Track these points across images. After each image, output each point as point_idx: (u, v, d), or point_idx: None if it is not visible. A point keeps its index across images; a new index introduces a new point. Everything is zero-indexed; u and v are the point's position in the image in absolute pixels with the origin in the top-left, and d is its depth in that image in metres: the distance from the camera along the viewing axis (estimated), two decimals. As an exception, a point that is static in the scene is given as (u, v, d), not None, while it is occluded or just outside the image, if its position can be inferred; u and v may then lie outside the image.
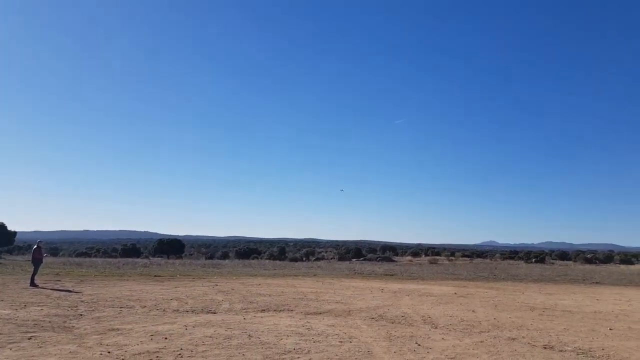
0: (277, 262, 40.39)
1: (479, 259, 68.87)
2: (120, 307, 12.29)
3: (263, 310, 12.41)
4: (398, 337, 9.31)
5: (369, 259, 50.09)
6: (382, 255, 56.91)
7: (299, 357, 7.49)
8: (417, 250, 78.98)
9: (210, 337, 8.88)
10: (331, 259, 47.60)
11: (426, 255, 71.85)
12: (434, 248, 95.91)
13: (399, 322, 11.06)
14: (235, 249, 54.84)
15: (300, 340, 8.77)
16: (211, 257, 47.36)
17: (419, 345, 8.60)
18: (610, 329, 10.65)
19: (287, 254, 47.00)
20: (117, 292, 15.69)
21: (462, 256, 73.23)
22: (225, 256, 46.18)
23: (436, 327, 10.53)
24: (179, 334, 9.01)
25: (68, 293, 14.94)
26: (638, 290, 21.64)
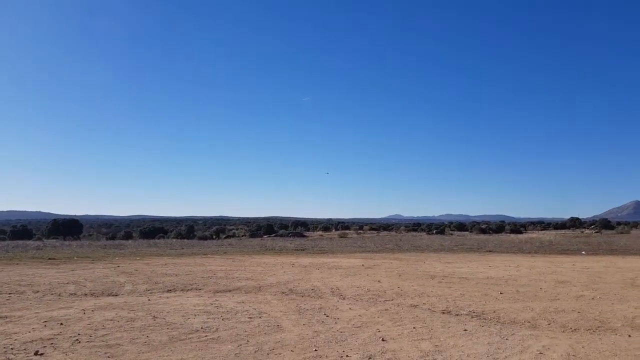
0: (185, 241, 39.16)
1: (385, 232, 72.03)
2: (9, 293, 11.26)
3: (169, 291, 11.95)
4: (307, 309, 9.41)
5: (281, 235, 50.35)
6: (294, 231, 57.47)
7: (206, 336, 7.30)
8: (327, 225, 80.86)
9: (111, 320, 8.39)
10: (242, 236, 47.10)
11: (336, 229, 73.77)
12: (343, 222, 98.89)
13: (309, 295, 11.20)
14: (139, 228, 52.09)
15: (208, 318, 8.56)
16: (113, 238, 44.75)
17: (327, 316, 8.75)
18: (500, 293, 11.58)
19: (196, 233, 45.56)
20: (5, 277, 14.34)
21: (370, 229, 76.15)
22: (128, 236, 43.74)
23: (344, 298, 10.79)
24: (76, 319, 8.42)
25: (-58, 281, 13.31)
26: (525, 257, 23.85)
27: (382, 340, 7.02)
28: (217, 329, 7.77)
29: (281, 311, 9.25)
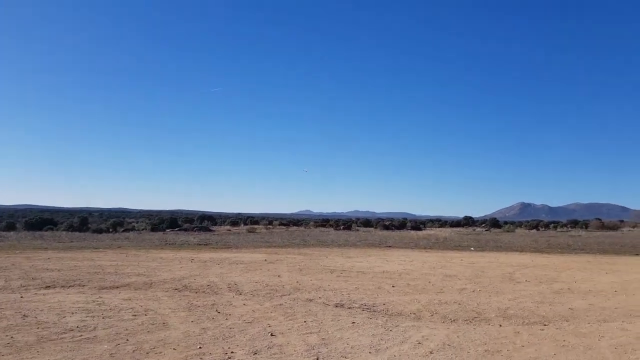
0: (77, 234, 36.28)
1: (295, 227, 72.40)
2: None
3: (47, 287, 10.95)
4: (199, 306, 9.08)
5: (186, 230, 48.60)
6: (200, 225, 55.71)
7: (81, 335, 6.75)
8: (236, 220, 79.52)
9: (-30, 321, 7.48)
10: (143, 230, 44.66)
11: (245, 224, 72.85)
12: (253, 217, 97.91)
13: (204, 292, 10.83)
14: (24, 219, 47.39)
15: (87, 317, 7.93)
16: (-8, 229, 40.36)
17: (219, 312, 8.50)
18: (392, 286, 12.02)
19: (90, 225, 42.39)
20: None
21: (279, 225, 76.12)
22: (10, 227, 39.41)
23: (240, 294, 10.58)
24: None
25: None
26: (420, 252, 25.15)
27: (271, 335, 6.94)
28: (94, 327, 7.22)
29: (170, 308, 8.83)
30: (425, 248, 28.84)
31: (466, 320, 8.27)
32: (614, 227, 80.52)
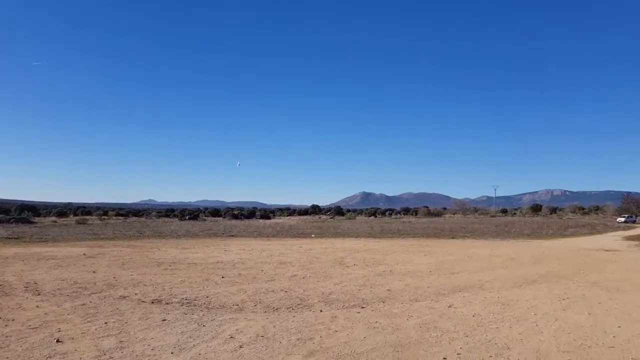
0: None
1: (134, 218, 67.67)
2: None
3: None
4: (-26, 312, 7.44)
5: (0, 221, 42.14)
6: (19, 217, 48.70)
7: None
8: (64, 210, 71.25)
9: None
10: (-62, 222, 37.28)
11: (75, 215, 65.82)
12: (85, 207, 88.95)
13: (-10, 293, 9.02)
14: None
15: None
16: None
17: (0, 318, 7.04)
18: (222, 277, 11.43)
19: None
20: None
21: (116, 215, 70.44)
22: None
23: (38, 294, 9.05)
24: None
25: None
26: (263, 241, 25.03)
27: (57, 341, 5.87)
28: None
29: None
30: (268, 236, 28.91)
31: (289, 307, 8.08)
32: (438, 214, 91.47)
